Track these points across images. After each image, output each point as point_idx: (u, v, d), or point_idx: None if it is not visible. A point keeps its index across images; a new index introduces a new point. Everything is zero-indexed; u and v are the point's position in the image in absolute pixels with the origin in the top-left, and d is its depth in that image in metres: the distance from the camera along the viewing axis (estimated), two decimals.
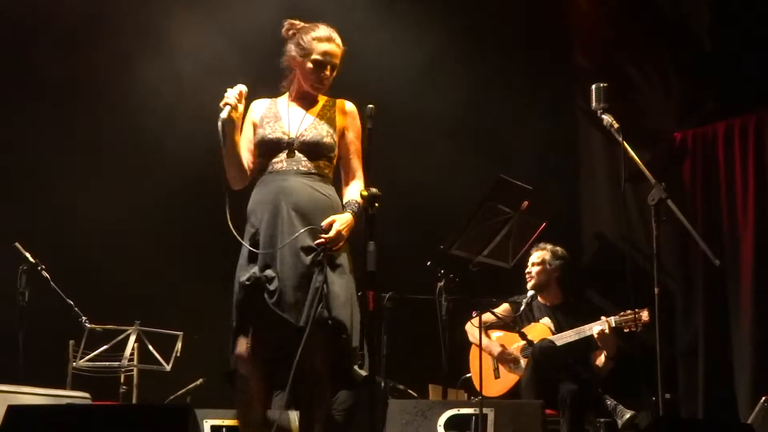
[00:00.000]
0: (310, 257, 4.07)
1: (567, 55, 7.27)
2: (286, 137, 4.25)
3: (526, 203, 5.03)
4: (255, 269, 4.12)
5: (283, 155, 4.24)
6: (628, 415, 5.51)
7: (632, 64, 7.00)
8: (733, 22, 6.56)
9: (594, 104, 4.58)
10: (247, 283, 4.12)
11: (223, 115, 4.13)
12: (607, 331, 5.73)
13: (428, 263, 5.53)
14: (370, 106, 4.21)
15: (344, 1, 6.72)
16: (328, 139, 4.27)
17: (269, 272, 4.10)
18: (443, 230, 5.29)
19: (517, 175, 5.09)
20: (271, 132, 4.27)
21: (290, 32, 4.39)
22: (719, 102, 6.68)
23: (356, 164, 4.36)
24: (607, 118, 4.53)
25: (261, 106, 4.41)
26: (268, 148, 4.26)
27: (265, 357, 4.16)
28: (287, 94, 4.43)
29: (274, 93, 4.48)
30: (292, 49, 4.35)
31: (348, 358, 4.16)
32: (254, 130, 4.33)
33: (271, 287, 4.07)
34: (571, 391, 5.52)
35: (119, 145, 6.99)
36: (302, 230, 4.07)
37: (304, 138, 4.25)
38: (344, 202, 4.27)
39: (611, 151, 6.85)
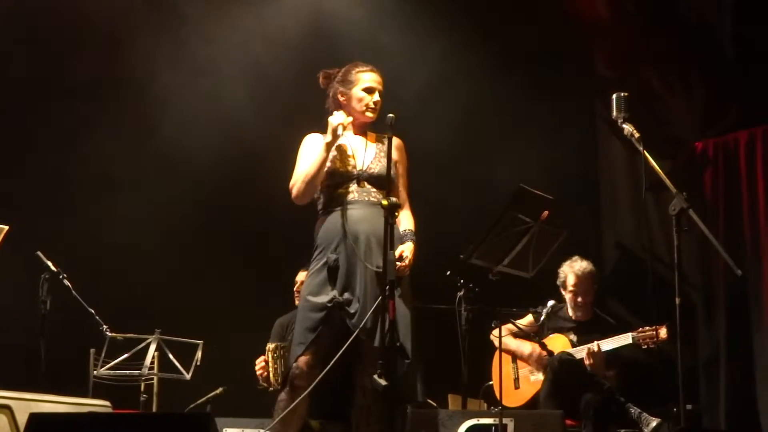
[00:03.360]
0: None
1: (588, 63, 7.24)
2: (355, 170, 4.56)
3: (546, 213, 5.01)
4: (335, 292, 4.42)
5: (353, 186, 4.56)
6: (654, 423, 5.46)
7: (653, 73, 6.96)
8: (756, 29, 6.51)
9: (615, 113, 4.57)
10: (329, 304, 4.41)
11: (340, 132, 4.49)
12: (594, 354, 5.72)
13: (448, 273, 5.52)
14: (391, 115, 4.34)
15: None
16: (391, 172, 4.52)
17: (347, 295, 4.42)
18: (463, 240, 5.28)
19: (538, 184, 5.08)
20: (341, 165, 4.57)
21: (327, 78, 4.75)
22: (741, 111, 6.63)
23: (405, 195, 4.71)
24: (627, 128, 4.52)
25: (320, 140, 4.62)
26: (338, 179, 4.56)
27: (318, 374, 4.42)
28: None
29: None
30: (337, 87, 4.68)
31: (406, 380, 4.47)
32: None
33: (351, 310, 4.40)
34: (594, 402, 5.49)
35: (141, 154, 7.02)
36: (379, 258, 4.37)
37: (371, 171, 4.59)
38: (402, 231, 4.61)
39: (632, 161, 6.82)
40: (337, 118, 4.52)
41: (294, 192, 4.59)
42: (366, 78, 4.67)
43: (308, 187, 4.56)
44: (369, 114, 4.64)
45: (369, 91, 4.65)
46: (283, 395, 4.47)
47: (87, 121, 6.97)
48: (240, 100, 6.94)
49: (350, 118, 4.59)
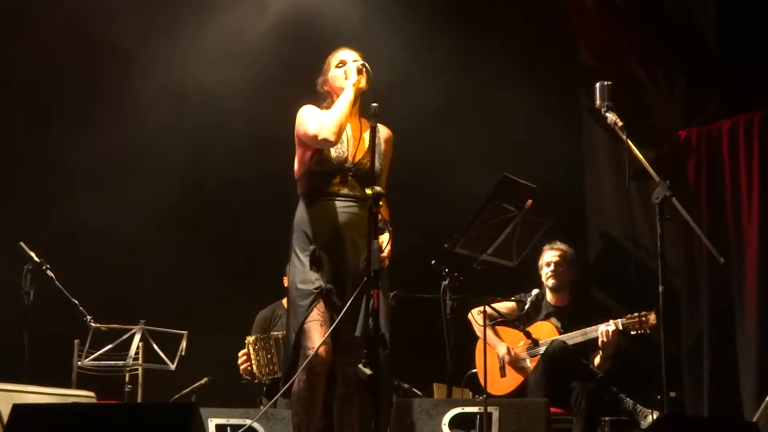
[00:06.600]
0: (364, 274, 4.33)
1: (572, 52, 7.25)
2: (346, 162, 4.54)
3: (530, 202, 5.01)
4: (320, 281, 4.43)
5: (340, 176, 4.54)
6: (650, 417, 5.44)
7: (637, 62, 6.97)
8: (739, 19, 6.54)
9: (598, 102, 4.58)
10: (315, 290, 4.42)
11: (362, 85, 4.52)
12: (611, 334, 5.71)
13: (432, 262, 5.52)
14: (375, 104, 4.30)
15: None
16: (378, 168, 4.54)
17: (330, 285, 4.43)
18: (448, 229, 5.29)
19: (522, 173, 5.09)
20: (334, 153, 4.53)
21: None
22: (724, 100, 6.65)
23: (384, 186, 4.65)
24: (611, 116, 4.53)
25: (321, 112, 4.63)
26: (328, 167, 4.54)
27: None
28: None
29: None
30: (320, 80, 4.72)
31: (387, 369, 4.52)
32: None
33: (338, 301, 4.41)
34: (586, 391, 5.48)
35: (124, 144, 6.99)
36: (364, 254, 4.33)
37: (361, 166, 4.54)
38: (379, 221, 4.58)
39: (616, 149, 6.84)
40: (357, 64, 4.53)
41: (324, 134, 4.45)
42: (336, 57, 4.69)
43: (341, 130, 4.50)
44: (347, 87, 4.57)
45: (342, 64, 4.65)
46: (300, 384, 4.41)
47: (70, 112, 6.94)
48: (236, 97, 6.95)
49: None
